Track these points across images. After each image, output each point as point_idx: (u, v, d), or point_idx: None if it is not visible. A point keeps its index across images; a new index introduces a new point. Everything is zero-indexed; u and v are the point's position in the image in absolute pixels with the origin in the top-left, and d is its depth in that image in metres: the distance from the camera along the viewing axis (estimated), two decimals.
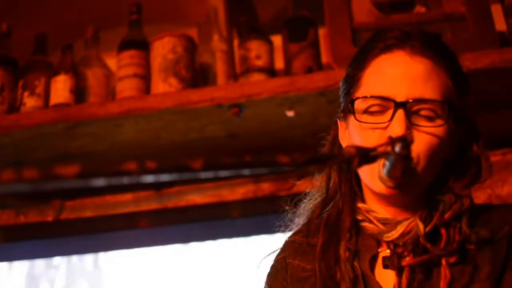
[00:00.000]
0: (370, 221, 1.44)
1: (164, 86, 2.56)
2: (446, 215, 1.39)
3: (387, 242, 1.42)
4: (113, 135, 2.64)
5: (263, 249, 1.64)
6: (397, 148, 1.19)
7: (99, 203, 2.90)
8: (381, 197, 1.44)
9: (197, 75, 2.65)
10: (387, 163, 1.29)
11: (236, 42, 2.75)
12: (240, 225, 2.83)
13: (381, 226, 1.42)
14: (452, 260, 1.37)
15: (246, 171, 1.04)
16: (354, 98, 1.46)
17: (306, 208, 1.60)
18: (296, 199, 1.64)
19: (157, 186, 2.83)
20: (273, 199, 2.60)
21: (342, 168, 1.51)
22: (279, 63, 2.64)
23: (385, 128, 1.39)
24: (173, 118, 2.53)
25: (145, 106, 2.48)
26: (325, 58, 2.62)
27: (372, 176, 1.39)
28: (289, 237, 1.61)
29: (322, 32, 2.66)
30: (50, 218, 2.97)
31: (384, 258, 1.41)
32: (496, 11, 2.55)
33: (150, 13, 2.91)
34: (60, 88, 2.65)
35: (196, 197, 2.81)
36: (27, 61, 2.79)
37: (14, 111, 2.69)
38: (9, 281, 3.06)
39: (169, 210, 2.85)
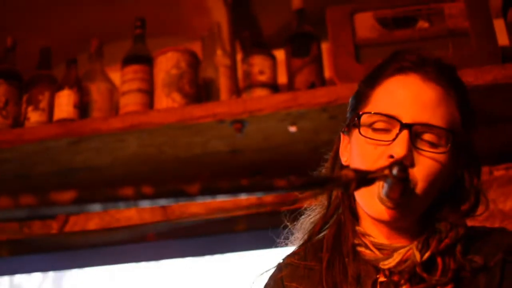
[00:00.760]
0: (366, 246, 1.45)
1: (167, 101, 2.57)
2: (442, 244, 1.40)
3: (383, 270, 1.42)
4: (117, 150, 2.65)
5: (265, 263, 1.64)
6: (395, 171, 1.20)
7: (102, 216, 2.90)
8: (378, 221, 1.45)
9: (200, 90, 2.66)
10: (386, 185, 1.30)
11: (239, 57, 2.76)
12: (244, 239, 2.84)
13: (377, 252, 1.43)
14: None
15: (243, 195, 1.05)
16: (361, 113, 1.47)
17: (304, 224, 1.60)
18: (298, 212, 1.64)
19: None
20: (276, 213, 2.61)
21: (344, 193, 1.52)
22: (283, 78, 2.65)
23: (387, 146, 1.39)
24: (176, 133, 2.53)
25: (148, 121, 2.49)
26: (328, 73, 2.63)
27: (371, 198, 1.39)
28: (284, 258, 1.60)
29: (325, 46, 2.67)
30: (54, 231, 2.98)
31: (381, 284, 1.42)
32: (499, 26, 2.55)
33: (154, 26, 2.92)
34: (64, 103, 2.66)
35: (200, 210, 2.81)
36: (31, 76, 2.80)
37: (18, 125, 2.70)
38: None
39: (173, 224, 2.86)
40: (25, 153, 2.65)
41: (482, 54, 2.39)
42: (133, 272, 2.98)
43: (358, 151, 1.46)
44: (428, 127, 1.40)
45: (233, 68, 2.69)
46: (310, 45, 2.61)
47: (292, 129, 2.49)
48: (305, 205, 1.64)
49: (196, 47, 2.83)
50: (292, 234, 1.64)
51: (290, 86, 2.56)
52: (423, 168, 1.38)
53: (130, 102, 2.62)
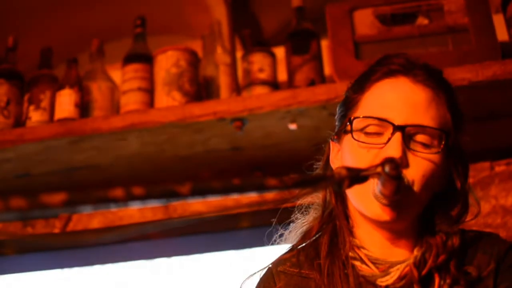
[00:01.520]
0: (362, 261, 1.44)
1: (167, 100, 2.58)
2: (439, 259, 1.40)
3: (380, 286, 1.42)
4: (118, 149, 2.65)
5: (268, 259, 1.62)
6: (387, 169, 1.20)
7: (105, 214, 2.91)
8: (372, 223, 1.44)
9: (200, 88, 2.66)
10: (379, 183, 1.30)
11: (239, 54, 2.76)
12: (248, 235, 2.84)
13: (373, 268, 1.43)
14: None
15: (235, 195, 1.05)
16: (353, 117, 1.47)
17: (296, 229, 1.59)
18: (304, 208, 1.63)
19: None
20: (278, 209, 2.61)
21: (337, 191, 1.51)
22: (283, 75, 2.65)
23: (381, 149, 1.40)
24: (176, 131, 2.54)
25: (148, 120, 2.50)
26: (328, 70, 2.63)
27: (366, 197, 1.39)
28: (276, 265, 1.58)
29: (325, 44, 2.66)
30: (57, 230, 2.99)
31: None
32: (499, 21, 2.55)
33: (155, 25, 2.93)
34: (65, 102, 2.67)
35: (202, 208, 2.82)
36: (32, 75, 2.81)
37: (20, 125, 2.71)
38: None
39: (174, 221, 2.86)
40: (26, 152, 2.66)
41: (481, 50, 2.38)
42: (135, 270, 2.99)
43: (351, 155, 1.45)
44: (420, 128, 1.40)
45: (233, 66, 2.70)
46: (309, 42, 2.61)
47: (292, 126, 2.50)
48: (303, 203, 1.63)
49: (197, 45, 2.83)
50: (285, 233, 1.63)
51: (290, 84, 2.56)
52: (418, 169, 1.38)
53: (130, 101, 2.63)
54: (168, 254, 2.96)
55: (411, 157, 1.39)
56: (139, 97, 2.63)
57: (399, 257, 1.44)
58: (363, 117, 1.45)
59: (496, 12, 2.66)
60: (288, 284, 1.53)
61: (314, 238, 1.55)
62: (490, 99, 2.41)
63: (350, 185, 1.13)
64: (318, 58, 2.61)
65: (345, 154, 1.48)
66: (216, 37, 2.80)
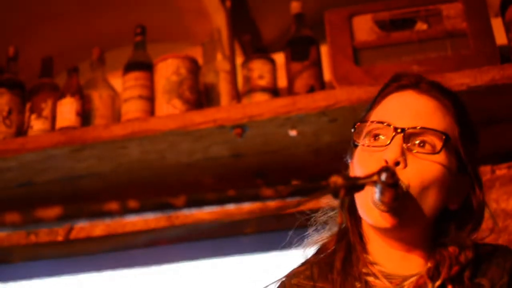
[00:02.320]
0: (375, 276, 1.45)
1: (168, 108, 2.59)
2: (453, 271, 1.40)
3: None
4: (119, 157, 2.66)
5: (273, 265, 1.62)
6: (383, 177, 1.21)
7: (108, 222, 2.91)
8: (381, 234, 1.45)
9: (201, 96, 2.67)
10: (377, 190, 1.31)
11: (240, 61, 2.77)
12: (253, 241, 2.84)
13: (387, 283, 1.43)
14: None
15: (230, 206, 1.06)
16: (357, 124, 1.51)
17: (310, 244, 1.60)
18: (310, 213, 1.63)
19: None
20: (281, 215, 2.62)
21: (350, 207, 1.52)
22: (283, 81, 2.66)
23: (383, 152, 1.41)
24: (177, 139, 2.55)
25: (149, 128, 2.51)
26: (328, 76, 2.63)
27: (366, 204, 1.40)
28: (289, 277, 1.58)
29: (325, 49, 2.66)
30: (60, 238, 3.00)
31: None
32: (498, 25, 2.55)
33: (155, 33, 2.94)
34: (66, 111, 2.68)
35: (204, 215, 2.82)
36: (34, 84, 2.82)
37: (22, 134, 2.73)
38: None
39: (177, 228, 2.87)
40: (28, 161, 2.67)
41: (480, 55, 2.39)
42: (141, 276, 2.99)
43: (357, 161, 1.47)
44: (421, 129, 1.42)
45: (233, 73, 2.70)
46: (309, 49, 2.61)
47: (293, 133, 2.50)
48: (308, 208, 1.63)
49: (197, 53, 2.84)
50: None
51: (290, 90, 2.57)
52: (417, 169, 1.39)
53: (131, 109, 2.64)
54: (173, 260, 2.97)
55: (411, 158, 1.40)
56: (140, 105, 2.64)
57: (413, 270, 1.44)
58: (366, 121, 1.49)
59: (495, 16, 2.66)
60: None
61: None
62: (489, 103, 2.41)
63: (347, 193, 1.14)
64: (317, 64, 2.61)
65: (355, 164, 1.50)
66: (216, 44, 2.81)
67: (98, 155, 2.64)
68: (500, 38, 2.51)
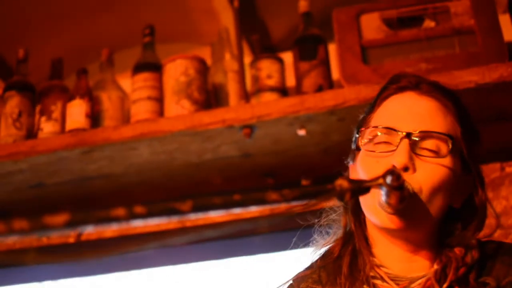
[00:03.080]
0: (382, 279, 1.45)
1: (177, 108, 2.59)
2: (460, 272, 1.40)
3: None
4: (129, 158, 2.67)
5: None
6: (389, 180, 1.21)
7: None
8: (388, 235, 1.45)
9: (210, 96, 2.68)
10: (383, 193, 1.31)
11: (248, 60, 2.77)
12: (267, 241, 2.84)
13: (394, 285, 1.43)
14: None
15: (236, 210, 1.06)
16: (361, 129, 1.51)
17: (317, 248, 1.60)
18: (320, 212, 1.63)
19: None
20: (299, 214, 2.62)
21: (355, 211, 1.53)
22: (291, 80, 2.66)
23: (389, 158, 1.41)
24: (186, 140, 2.56)
25: (158, 129, 2.52)
26: (336, 75, 2.63)
27: (372, 206, 1.41)
28: (297, 281, 1.59)
29: (333, 48, 2.67)
30: (71, 240, 3.01)
31: None
32: (505, 21, 2.55)
33: (164, 33, 2.95)
34: (76, 113, 2.70)
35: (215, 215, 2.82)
36: (43, 86, 2.84)
37: (32, 136, 2.74)
38: None
39: (188, 229, 2.87)
40: (39, 163, 2.69)
41: (488, 52, 2.38)
42: (152, 278, 3.00)
43: (362, 167, 1.47)
44: (426, 133, 1.42)
45: (241, 73, 2.71)
46: (317, 48, 2.62)
47: (301, 132, 2.51)
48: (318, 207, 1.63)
49: (206, 52, 2.85)
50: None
51: (298, 90, 2.57)
52: (426, 174, 1.39)
53: (140, 110, 2.65)
54: (184, 261, 2.98)
55: (418, 162, 1.40)
56: (149, 106, 2.65)
57: (419, 272, 1.44)
58: (373, 127, 1.48)
59: (503, 12, 2.66)
60: None
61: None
62: (498, 100, 2.41)
63: (352, 196, 1.15)
64: (325, 63, 2.61)
65: (358, 168, 1.50)
66: (224, 44, 2.82)
67: (108, 157, 2.66)
68: (508, 34, 2.50)
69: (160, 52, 2.82)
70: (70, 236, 2.99)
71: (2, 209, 3.00)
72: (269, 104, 2.46)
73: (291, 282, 1.59)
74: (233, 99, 2.65)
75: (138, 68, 2.74)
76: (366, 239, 1.52)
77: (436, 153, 1.41)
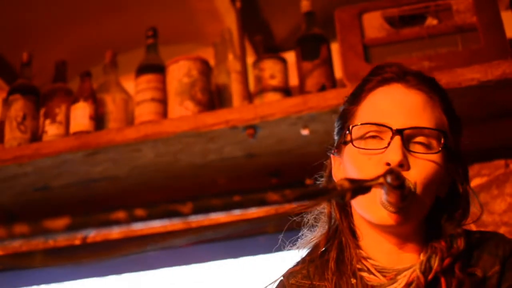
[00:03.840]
0: (369, 271, 1.45)
1: (180, 109, 2.60)
2: (445, 263, 1.40)
3: None
4: (133, 160, 2.69)
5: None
6: (389, 179, 1.22)
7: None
8: (379, 230, 1.46)
9: (213, 96, 2.69)
10: (384, 193, 1.31)
11: (251, 60, 2.78)
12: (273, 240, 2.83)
13: (381, 277, 1.43)
14: None
15: (236, 212, 1.07)
16: (351, 126, 1.49)
17: (304, 243, 1.61)
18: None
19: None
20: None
21: (340, 204, 1.53)
22: (295, 80, 2.67)
23: (382, 154, 1.41)
24: (190, 141, 2.57)
25: (162, 130, 2.53)
26: (339, 74, 2.63)
27: (373, 204, 1.40)
28: (287, 277, 1.59)
29: (336, 47, 2.67)
30: (77, 242, 3.02)
31: None
32: (508, 18, 2.55)
33: (167, 34, 2.96)
34: (80, 116, 2.71)
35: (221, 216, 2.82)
36: (47, 89, 2.85)
37: (37, 139, 2.76)
38: None
39: (193, 229, 2.87)
40: (44, 166, 2.70)
41: (490, 49, 2.38)
42: (162, 278, 3.01)
43: (353, 164, 1.47)
44: (418, 129, 1.42)
45: (244, 73, 2.71)
46: (319, 47, 2.62)
47: (305, 132, 2.51)
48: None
49: (209, 53, 2.86)
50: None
51: (301, 89, 2.57)
52: (420, 170, 1.40)
53: (144, 111, 2.66)
54: (189, 262, 2.98)
55: (412, 159, 1.40)
56: (153, 107, 2.66)
57: (406, 263, 1.44)
58: (362, 124, 1.47)
59: (505, 9, 2.66)
60: None
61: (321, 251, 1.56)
62: (501, 97, 2.41)
63: (353, 196, 1.15)
64: (328, 62, 2.62)
65: (347, 164, 1.50)
66: (227, 44, 2.82)
67: (113, 159, 2.67)
68: (511, 31, 2.50)
69: (163, 53, 2.83)
70: (76, 238, 2.99)
71: (8, 212, 3.01)
72: (272, 104, 2.47)
73: (281, 278, 1.60)
74: (237, 100, 2.65)
75: (142, 70, 2.75)
76: (352, 232, 1.53)
77: (428, 148, 1.42)
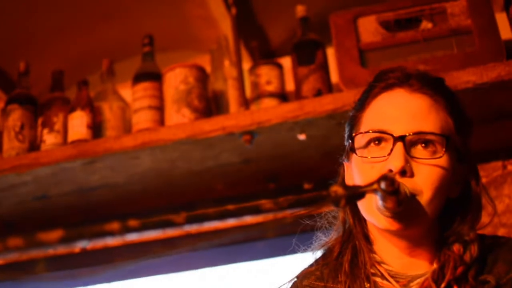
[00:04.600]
0: (383, 276, 1.45)
1: (177, 117, 2.61)
2: (458, 271, 1.40)
3: None
4: (131, 167, 2.69)
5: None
6: (383, 185, 1.22)
7: None
8: (387, 234, 1.46)
9: (210, 103, 2.69)
10: (379, 198, 1.32)
11: (248, 66, 2.78)
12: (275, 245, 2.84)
13: (394, 283, 1.44)
14: None
15: (230, 220, 1.07)
16: (354, 134, 1.50)
17: (318, 246, 1.61)
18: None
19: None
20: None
21: (353, 209, 1.53)
22: (291, 85, 2.67)
23: (385, 162, 1.41)
24: (187, 148, 2.57)
25: (159, 138, 2.53)
26: (335, 79, 2.64)
27: (370, 209, 1.41)
28: (300, 278, 1.59)
29: (331, 52, 2.67)
30: (77, 250, 3.03)
31: None
32: (502, 20, 2.55)
33: (163, 41, 2.97)
34: (77, 125, 2.71)
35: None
36: (45, 99, 2.86)
37: (35, 148, 2.77)
38: None
39: (194, 236, 2.88)
40: (42, 175, 2.71)
41: (485, 52, 2.38)
42: (167, 283, 3.01)
43: (358, 172, 1.47)
44: (420, 134, 1.42)
45: (240, 80, 2.72)
46: (315, 52, 2.63)
47: (301, 137, 2.51)
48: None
49: (205, 60, 2.87)
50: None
51: (298, 95, 2.58)
52: (424, 177, 1.39)
53: (142, 119, 2.66)
54: (191, 267, 2.98)
55: (415, 165, 1.39)
56: (150, 115, 2.66)
57: (419, 269, 1.45)
58: (364, 132, 1.48)
59: (500, 11, 2.66)
60: None
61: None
62: (497, 99, 2.41)
63: (348, 203, 1.16)
64: (324, 67, 2.62)
65: (354, 172, 1.51)
66: (223, 51, 2.83)
67: (111, 167, 2.67)
68: (506, 33, 2.51)
69: (160, 61, 2.83)
70: (75, 246, 2.99)
71: (8, 222, 3.02)
72: (268, 110, 2.47)
73: (295, 279, 1.60)
74: (233, 106, 2.66)
75: (138, 78, 2.75)
76: (366, 236, 1.53)
77: (432, 154, 1.41)
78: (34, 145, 2.78)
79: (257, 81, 2.65)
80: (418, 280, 1.42)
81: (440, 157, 1.41)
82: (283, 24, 3.06)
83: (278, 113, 2.44)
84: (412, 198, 1.37)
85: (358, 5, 2.62)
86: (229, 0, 2.90)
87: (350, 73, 2.48)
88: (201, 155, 2.62)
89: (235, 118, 2.49)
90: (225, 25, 2.98)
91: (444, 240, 1.46)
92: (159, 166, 2.69)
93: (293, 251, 1.68)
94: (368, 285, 1.46)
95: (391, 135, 1.41)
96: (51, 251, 3.01)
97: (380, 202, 1.35)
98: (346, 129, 1.59)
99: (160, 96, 2.71)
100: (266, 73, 2.65)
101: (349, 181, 1.55)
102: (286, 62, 2.72)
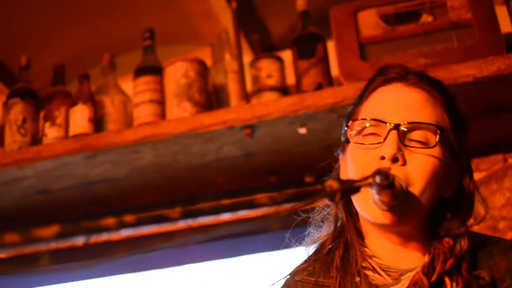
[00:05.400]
0: (374, 270, 1.46)
1: (178, 110, 2.61)
2: (448, 264, 1.40)
3: None
4: (132, 161, 2.70)
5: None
6: (378, 180, 1.23)
7: None
8: (379, 228, 1.47)
9: (211, 97, 2.70)
10: (375, 192, 1.32)
11: (248, 60, 2.79)
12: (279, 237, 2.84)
13: (385, 276, 1.44)
14: None
15: (225, 215, 1.08)
16: (349, 122, 1.51)
17: (310, 241, 1.61)
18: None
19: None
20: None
21: (345, 204, 1.54)
22: (291, 79, 2.67)
23: (378, 149, 1.42)
24: (188, 141, 2.58)
25: (160, 132, 2.54)
26: (336, 72, 2.64)
27: (367, 203, 1.42)
28: (293, 275, 1.60)
29: (332, 45, 2.67)
30: (79, 243, 3.04)
31: None
32: (503, 13, 2.55)
33: (164, 35, 2.97)
34: (79, 118, 2.72)
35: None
36: (47, 92, 2.86)
37: (37, 142, 2.77)
38: None
39: (196, 228, 2.88)
40: (44, 169, 2.72)
41: (485, 45, 2.38)
42: (168, 277, 3.02)
43: (351, 160, 1.48)
44: (415, 124, 1.43)
45: (241, 73, 2.72)
46: (315, 46, 2.63)
47: (302, 130, 2.52)
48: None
49: (206, 53, 2.87)
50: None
51: (298, 88, 2.58)
52: (416, 165, 1.40)
53: (143, 113, 2.67)
54: (192, 261, 2.99)
55: (408, 154, 1.41)
56: (151, 109, 2.67)
57: (411, 263, 1.45)
58: (361, 119, 1.49)
59: (501, 4, 2.66)
60: None
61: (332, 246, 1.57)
62: (497, 93, 2.41)
63: (343, 197, 1.16)
64: (324, 61, 2.62)
65: (348, 162, 1.51)
66: (224, 45, 2.83)
67: (112, 161, 2.68)
68: (506, 26, 2.51)
69: (160, 54, 2.84)
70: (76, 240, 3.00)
71: (9, 216, 3.03)
72: (269, 104, 2.48)
73: (288, 277, 1.61)
74: (234, 100, 2.67)
75: (139, 72, 2.76)
76: (357, 231, 1.54)
77: (425, 144, 1.42)
78: (36, 139, 2.79)
79: (258, 74, 2.66)
80: (409, 274, 1.42)
81: (433, 146, 1.42)
82: (283, 18, 3.07)
83: (278, 106, 2.45)
84: (406, 191, 1.38)
85: None
86: None
87: (350, 66, 2.48)
88: (201, 148, 2.63)
89: (235, 112, 2.49)
90: (226, 19, 2.98)
91: (435, 234, 1.47)
92: (160, 160, 2.70)
93: (286, 246, 1.69)
94: (359, 279, 1.46)
95: (386, 123, 1.43)
96: (53, 245, 3.03)
97: (375, 197, 1.36)
98: (344, 123, 1.60)
99: (161, 90, 2.71)
100: (267, 66, 2.66)
101: (344, 175, 1.56)
102: (287, 55, 2.72)
